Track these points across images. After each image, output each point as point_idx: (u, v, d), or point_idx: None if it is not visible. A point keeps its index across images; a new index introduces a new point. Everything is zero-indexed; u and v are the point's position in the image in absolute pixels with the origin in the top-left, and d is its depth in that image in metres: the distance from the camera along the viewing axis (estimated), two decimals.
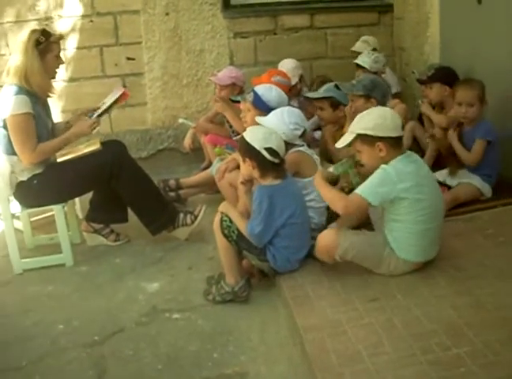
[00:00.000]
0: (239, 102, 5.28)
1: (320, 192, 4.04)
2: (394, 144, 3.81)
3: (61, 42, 4.87)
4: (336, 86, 5.28)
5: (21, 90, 4.57)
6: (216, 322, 3.96)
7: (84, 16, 6.76)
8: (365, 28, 7.23)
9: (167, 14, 6.89)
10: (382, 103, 4.75)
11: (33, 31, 4.72)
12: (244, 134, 4.10)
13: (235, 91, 6.05)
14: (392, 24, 7.29)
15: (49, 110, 4.98)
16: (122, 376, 3.50)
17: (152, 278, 4.59)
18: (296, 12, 7.21)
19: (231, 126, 5.88)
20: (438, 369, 3.05)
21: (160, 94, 7.07)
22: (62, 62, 4.90)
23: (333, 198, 3.91)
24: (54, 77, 4.90)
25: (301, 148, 4.53)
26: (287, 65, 6.32)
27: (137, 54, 6.96)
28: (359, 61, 6.16)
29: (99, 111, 4.99)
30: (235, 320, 3.96)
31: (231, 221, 4.07)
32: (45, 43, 4.66)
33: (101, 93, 5.43)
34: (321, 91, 5.35)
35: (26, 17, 6.59)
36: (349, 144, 3.98)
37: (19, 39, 4.74)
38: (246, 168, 4.08)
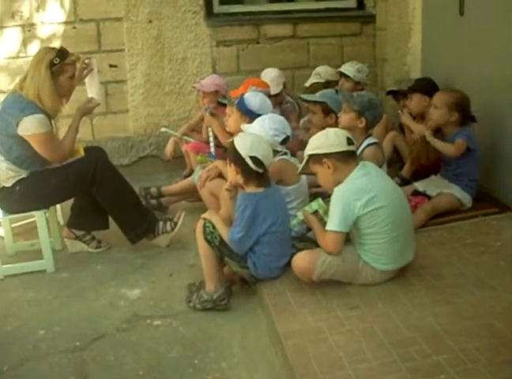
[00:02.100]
0: (225, 105, 5.31)
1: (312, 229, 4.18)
2: (342, 159, 3.91)
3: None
4: (336, 91, 5.28)
5: (37, 108, 4.58)
6: (197, 329, 3.97)
7: (67, 23, 6.73)
8: (347, 38, 7.29)
9: (150, 22, 6.89)
10: (372, 125, 4.78)
11: (49, 51, 4.73)
12: (234, 139, 4.12)
13: (216, 99, 6.07)
14: (374, 35, 7.33)
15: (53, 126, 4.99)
16: None
17: (133, 285, 4.59)
18: (279, 21, 7.24)
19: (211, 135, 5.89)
20: (418, 377, 3.09)
21: (142, 101, 7.06)
22: (75, 84, 4.96)
23: (318, 238, 4.04)
24: (65, 96, 4.93)
25: (285, 157, 4.57)
26: (270, 74, 6.34)
27: (120, 61, 6.94)
28: (342, 69, 6.22)
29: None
30: (216, 327, 3.98)
31: (214, 227, 4.08)
32: (59, 65, 4.65)
33: (83, 100, 5.41)
34: (317, 95, 5.37)
35: (9, 23, 6.56)
36: (306, 169, 4.15)
37: (35, 56, 4.76)
38: (232, 173, 4.11)
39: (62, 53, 4.72)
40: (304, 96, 5.55)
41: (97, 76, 5.24)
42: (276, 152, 4.46)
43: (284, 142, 4.57)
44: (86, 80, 5.20)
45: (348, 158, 3.92)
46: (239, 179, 4.08)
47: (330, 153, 3.88)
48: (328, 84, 6.09)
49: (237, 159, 4.02)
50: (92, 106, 5.08)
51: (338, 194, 3.86)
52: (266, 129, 4.45)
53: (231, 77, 6.89)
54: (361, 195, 3.80)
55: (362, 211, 3.79)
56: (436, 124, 5.05)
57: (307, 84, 6.47)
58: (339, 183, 3.91)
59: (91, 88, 5.20)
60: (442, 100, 4.96)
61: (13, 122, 4.53)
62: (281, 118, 4.69)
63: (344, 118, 4.79)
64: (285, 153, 4.60)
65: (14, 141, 4.60)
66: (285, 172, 4.49)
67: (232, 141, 4.12)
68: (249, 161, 3.97)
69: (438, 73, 5.57)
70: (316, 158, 3.96)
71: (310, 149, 4.01)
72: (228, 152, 4.16)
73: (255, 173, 4.02)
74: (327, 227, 3.87)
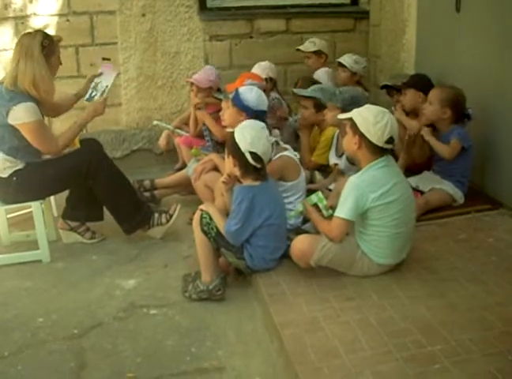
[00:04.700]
0: (221, 100, 5.33)
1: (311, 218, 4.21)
2: (371, 148, 3.87)
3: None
4: (322, 89, 5.31)
5: (27, 96, 4.58)
6: (194, 318, 4.01)
7: (60, 15, 6.74)
8: (340, 34, 7.35)
9: (143, 15, 6.91)
10: None
11: (35, 35, 4.70)
12: (235, 131, 4.13)
13: (210, 95, 6.10)
14: (367, 31, 7.39)
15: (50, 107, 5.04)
16: (102, 368, 3.53)
17: (128, 275, 4.61)
18: (272, 16, 7.27)
19: (205, 130, 5.91)
20: (414, 366, 3.14)
21: (135, 95, 7.07)
22: (61, 63, 4.94)
23: (318, 226, 4.10)
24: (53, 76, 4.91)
25: (286, 153, 4.61)
26: (261, 63, 6.44)
27: (113, 54, 6.91)
28: (340, 59, 6.37)
29: (104, 94, 5.11)
30: (212, 317, 4.01)
31: (210, 218, 4.10)
32: (49, 47, 4.66)
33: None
34: (309, 90, 5.41)
35: (1, 15, 6.55)
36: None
37: (20, 44, 4.70)
38: (229, 164, 4.14)
39: (46, 34, 4.73)
40: (296, 91, 5.60)
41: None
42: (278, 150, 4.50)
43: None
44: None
45: (376, 151, 3.88)
46: (236, 172, 4.11)
47: (365, 136, 3.86)
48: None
49: (236, 153, 4.05)
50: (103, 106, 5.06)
51: (354, 183, 3.87)
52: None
53: (223, 72, 6.90)
54: (376, 187, 3.82)
55: (373, 203, 3.81)
56: (428, 120, 5.08)
57: (301, 48, 6.79)
58: (356, 159, 3.99)
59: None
60: (435, 96, 4.99)
61: (2, 112, 4.55)
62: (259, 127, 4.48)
63: (330, 115, 4.85)
64: (285, 148, 4.64)
65: (6, 131, 4.61)
66: (287, 169, 4.55)
67: (232, 133, 4.13)
68: (248, 156, 4.00)
69: (431, 70, 5.58)
70: (354, 127, 3.91)
71: (356, 115, 3.92)
72: (227, 144, 4.17)
73: (253, 167, 4.06)
74: (336, 213, 3.89)
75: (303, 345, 3.38)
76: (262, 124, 4.32)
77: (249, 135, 4.06)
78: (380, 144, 3.83)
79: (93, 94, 5.13)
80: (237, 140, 4.04)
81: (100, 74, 5.27)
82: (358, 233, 4.03)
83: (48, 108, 4.99)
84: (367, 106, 4.01)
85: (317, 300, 3.83)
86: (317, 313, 3.68)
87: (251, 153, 4.00)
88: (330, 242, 3.94)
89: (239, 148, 4.02)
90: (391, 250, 3.99)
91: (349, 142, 3.98)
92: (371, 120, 3.82)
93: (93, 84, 5.17)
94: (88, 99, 5.12)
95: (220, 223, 4.10)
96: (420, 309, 3.66)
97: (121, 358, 3.62)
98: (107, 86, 5.14)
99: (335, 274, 4.05)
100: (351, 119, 3.94)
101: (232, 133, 4.14)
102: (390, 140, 3.85)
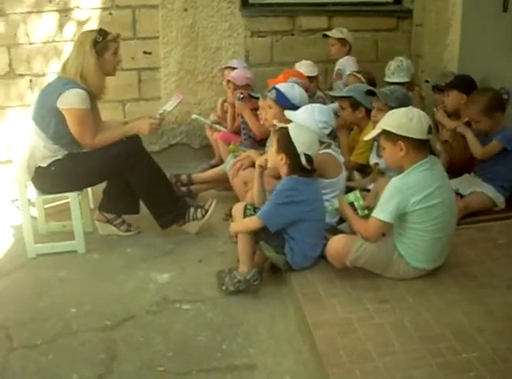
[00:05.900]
0: (258, 98, 5.30)
1: (345, 215, 4.19)
2: (417, 146, 3.79)
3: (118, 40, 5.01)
4: (369, 91, 5.26)
5: (80, 86, 4.70)
6: (226, 315, 3.99)
7: (103, 9, 6.76)
8: (382, 32, 7.29)
9: (185, 10, 6.90)
10: None
11: (90, 32, 4.90)
12: (290, 129, 4.11)
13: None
14: (410, 31, 7.29)
15: (96, 110, 5.10)
16: (133, 361, 3.53)
17: (162, 269, 4.61)
18: (314, 13, 7.22)
19: (244, 124, 5.89)
20: (448, 373, 3.09)
21: (175, 89, 7.03)
22: (120, 60, 5.06)
23: (353, 223, 4.06)
24: (112, 74, 5.03)
25: (329, 150, 4.59)
26: (306, 62, 6.41)
27: (154, 48, 6.97)
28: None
29: (160, 112, 5.18)
30: (245, 314, 3.99)
31: (254, 210, 4.11)
32: (102, 43, 4.78)
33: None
34: (345, 90, 5.40)
35: (45, 7, 6.59)
36: (375, 139, 4.11)
37: (76, 40, 4.92)
38: (277, 159, 4.12)
39: (102, 32, 4.86)
40: (332, 93, 5.60)
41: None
42: (321, 144, 4.46)
43: (329, 135, 4.58)
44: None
45: (422, 146, 3.81)
46: (284, 169, 4.11)
47: (408, 137, 3.77)
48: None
49: (289, 151, 4.05)
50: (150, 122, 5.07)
51: (396, 186, 3.80)
52: (316, 121, 4.47)
53: (263, 68, 6.94)
54: (418, 190, 3.74)
55: (414, 207, 3.75)
56: (487, 131, 4.99)
57: (328, 33, 6.81)
58: (401, 166, 3.87)
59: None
60: (477, 113, 4.91)
61: (54, 95, 4.65)
62: (329, 109, 4.70)
63: (380, 116, 4.79)
64: (329, 145, 4.62)
65: (53, 115, 4.68)
66: (328, 166, 4.52)
67: (286, 131, 4.10)
68: (303, 158, 4.00)
69: (475, 71, 5.46)
70: (391, 136, 3.82)
71: (388, 125, 3.83)
72: (280, 141, 4.13)
73: (301, 168, 4.05)
74: (374, 214, 3.83)
75: (336, 346, 3.34)
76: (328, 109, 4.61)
77: (307, 136, 4.08)
78: (424, 136, 3.76)
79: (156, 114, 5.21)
80: (293, 139, 4.04)
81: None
82: (397, 235, 3.96)
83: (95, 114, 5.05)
84: (391, 112, 3.97)
85: (351, 301, 3.80)
86: (350, 314, 3.65)
87: (306, 155, 4.00)
88: (366, 242, 3.90)
89: (294, 148, 4.02)
90: (428, 255, 3.92)
91: (392, 153, 3.87)
92: (404, 120, 3.77)
93: (162, 110, 5.24)
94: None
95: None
96: (457, 314, 3.59)
97: (152, 352, 3.62)
98: (164, 110, 5.21)
99: (370, 276, 4.00)
100: (383, 132, 3.87)
101: (286, 130, 4.11)
102: (430, 130, 3.80)
